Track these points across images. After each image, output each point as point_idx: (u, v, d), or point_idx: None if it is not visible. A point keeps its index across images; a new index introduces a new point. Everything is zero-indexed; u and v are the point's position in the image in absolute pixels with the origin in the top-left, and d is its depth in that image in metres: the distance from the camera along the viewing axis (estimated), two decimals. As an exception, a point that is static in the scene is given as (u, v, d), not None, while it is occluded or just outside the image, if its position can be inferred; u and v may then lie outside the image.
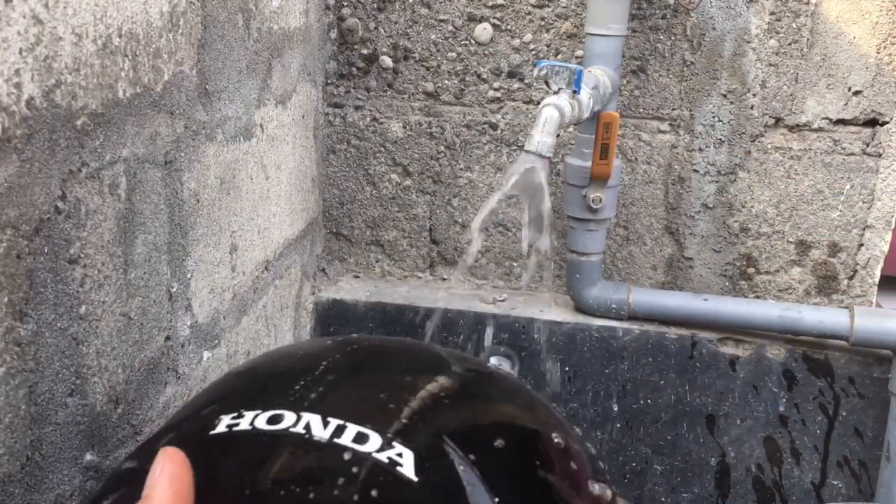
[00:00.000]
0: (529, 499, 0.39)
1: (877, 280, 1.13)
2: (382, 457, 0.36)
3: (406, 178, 1.20)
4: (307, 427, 0.37)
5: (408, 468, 0.36)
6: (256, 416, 0.39)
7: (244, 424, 0.39)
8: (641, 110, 1.13)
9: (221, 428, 0.39)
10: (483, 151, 1.17)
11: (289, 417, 0.38)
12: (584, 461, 0.45)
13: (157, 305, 0.67)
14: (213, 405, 0.43)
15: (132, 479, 0.39)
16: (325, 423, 0.38)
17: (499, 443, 0.41)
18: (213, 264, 0.78)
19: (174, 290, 0.70)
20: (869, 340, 1.05)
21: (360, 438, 0.37)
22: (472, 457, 0.38)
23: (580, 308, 1.15)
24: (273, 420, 0.38)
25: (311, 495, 0.34)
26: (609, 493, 0.43)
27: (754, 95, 1.10)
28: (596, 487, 0.42)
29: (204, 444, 0.39)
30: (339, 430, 0.37)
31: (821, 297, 1.15)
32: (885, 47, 1.05)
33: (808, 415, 1.12)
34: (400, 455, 0.36)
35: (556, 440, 0.44)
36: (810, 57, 1.07)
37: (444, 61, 1.14)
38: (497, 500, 0.37)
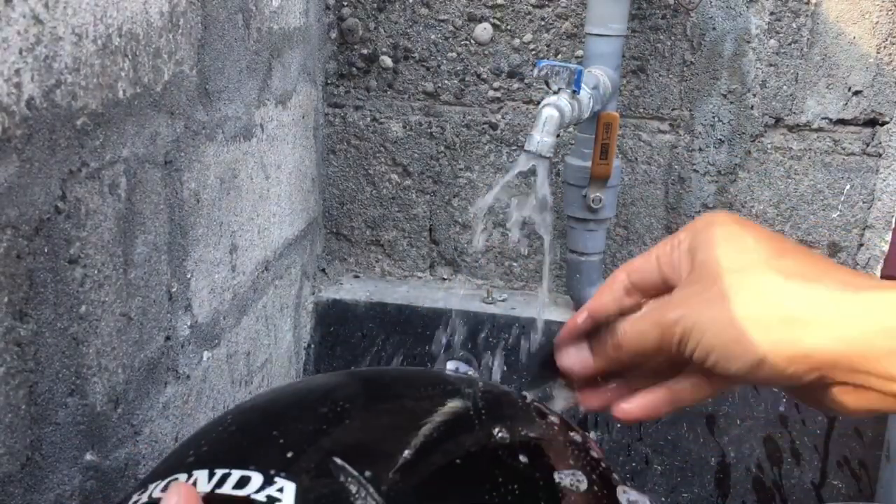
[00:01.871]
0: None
1: (877, 280, 1.13)
2: (261, 497, 0.37)
3: (406, 178, 1.20)
4: (195, 483, 0.39)
5: (287, 501, 0.36)
6: (156, 485, 0.41)
7: (144, 498, 0.40)
8: (641, 110, 1.13)
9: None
10: (483, 151, 1.17)
11: (181, 478, 0.40)
12: (549, 448, 0.45)
13: (157, 305, 0.67)
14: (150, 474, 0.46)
15: None
16: (211, 475, 0.39)
17: (406, 454, 0.40)
18: (213, 264, 0.78)
19: (174, 290, 0.70)
20: (869, 340, 1.05)
21: (242, 483, 0.38)
22: (367, 473, 0.38)
23: (579, 308, 1.15)
24: (166, 486, 0.40)
25: None
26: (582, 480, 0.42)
27: (754, 95, 1.10)
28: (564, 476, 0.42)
29: None
30: (223, 479, 0.38)
31: (821, 297, 1.15)
32: (885, 47, 1.05)
33: (808, 415, 1.12)
34: (281, 490, 0.37)
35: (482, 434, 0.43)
36: (810, 57, 1.07)
37: (444, 61, 1.14)
38: None
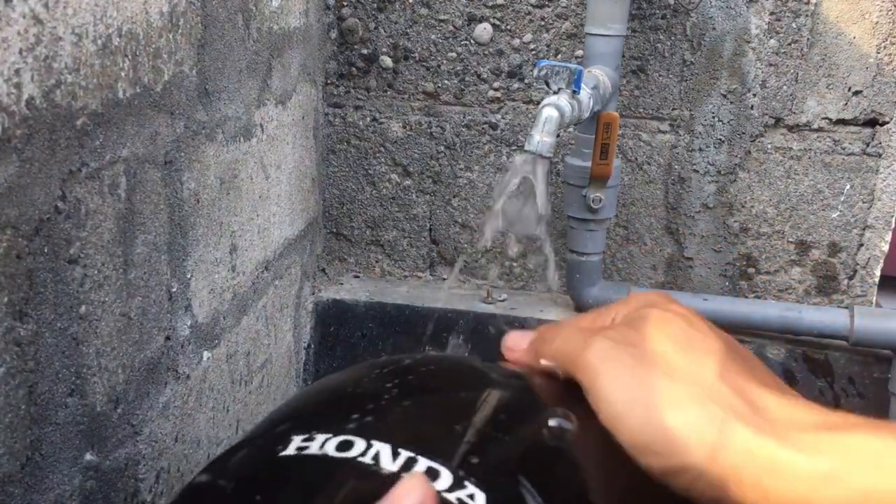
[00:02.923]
0: None
1: (877, 280, 1.13)
2: (452, 498, 0.33)
3: (406, 178, 1.20)
4: (376, 457, 0.35)
5: None
6: (327, 440, 0.37)
7: (314, 448, 0.37)
8: (641, 110, 1.13)
9: (291, 450, 0.37)
10: (483, 151, 1.17)
11: (358, 445, 0.36)
12: None
13: (156, 305, 0.67)
14: (288, 423, 0.42)
15: (205, 494, 0.38)
16: (395, 455, 0.35)
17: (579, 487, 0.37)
18: (212, 264, 0.78)
19: (174, 290, 0.70)
20: (869, 340, 1.05)
21: (431, 474, 0.35)
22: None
23: (580, 308, 1.15)
24: (342, 446, 0.36)
25: None
26: None
27: (754, 95, 1.10)
28: None
29: (272, 465, 0.37)
30: (409, 464, 0.35)
31: (821, 297, 1.15)
32: (885, 47, 1.05)
33: (808, 415, 1.12)
34: (472, 497, 0.34)
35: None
36: (810, 57, 1.07)
37: (444, 61, 1.14)
38: None
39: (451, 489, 0.34)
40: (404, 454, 0.35)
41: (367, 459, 0.35)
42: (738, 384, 0.34)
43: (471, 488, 0.34)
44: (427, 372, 0.47)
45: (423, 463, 0.35)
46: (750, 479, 0.32)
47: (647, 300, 0.40)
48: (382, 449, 0.36)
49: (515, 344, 0.45)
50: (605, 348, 0.36)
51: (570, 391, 0.40)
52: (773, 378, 0.38)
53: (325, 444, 0.37)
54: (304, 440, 0.37)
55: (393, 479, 0.33)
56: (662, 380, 0.34)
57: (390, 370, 0.46)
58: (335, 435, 0.37)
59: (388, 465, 0.35)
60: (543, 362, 0.42)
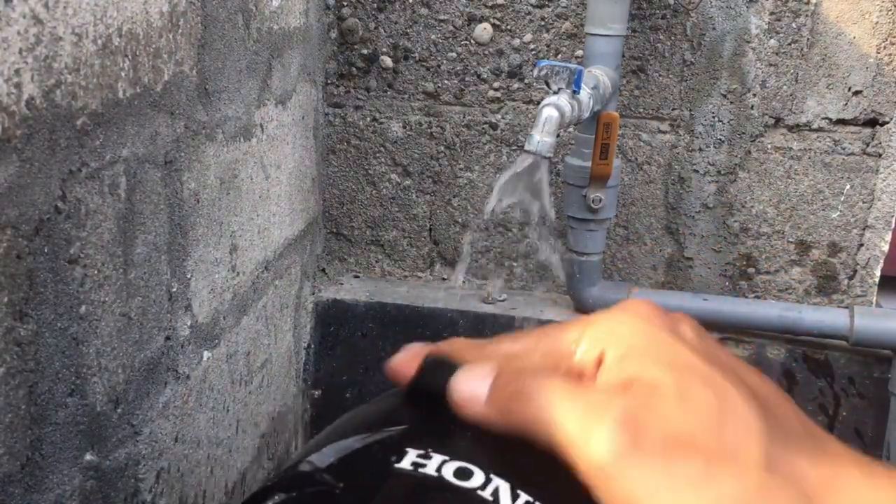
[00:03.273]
0: None
1: (877, 280, 1.13)
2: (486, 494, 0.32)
3: (406, 178, 1.20)
4: (495, 495, 0.33)
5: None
6: (444, 462, 0.35)
7: (430, 469, 0.34)
8: (641, 110, 1.13)
9: (406, 464, 0.35)
10: (483, 151, 1.17)
11: (477, 476, 0.34)
12: None
13: (156, 305, 0.67)
14: (402, 427, 0.39)
15: (311, 489, 0.37)
16: (515, 497, 0.33)
17: None
18: (212, 264, 0.78)
19: (174, 290, 0.70)
20: (869, 340, 1.05)
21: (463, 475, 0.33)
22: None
23: (580, 308, 1.15)
24: (461, 474, 0.34)
25: None
26: None
27: (754, 95, 1.10)
28: None
29: (388, 478, 0.35)
30: (441, 466, 0.33)
31: (821, 297, 1.15)
32: (885, 47, 1.05)
33: (809, 415, 1.12)
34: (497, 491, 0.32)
35: None
36: (810, 57, 1.07)
37: (444, 61, 1.14)
38: None
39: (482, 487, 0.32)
40: (523, 497, 0.33)
41: (487, 495, 0.33)
42: (789, 468, 0.29)
43: (496, 481, 0.32)
44: None
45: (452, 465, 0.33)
46: None
47: (639, 335, 0.32)
48: (502, 486, 0.33)
49: (468, 395, 0.34)
50: (620, 443, 0.28)
51: None
52: (802, 422, 0.32)
53: (442, 468, 0.34)
54: (420, 456, 0.35)
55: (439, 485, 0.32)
56: (703, 484, 0.28)
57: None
58: (451, 459, 0.35)
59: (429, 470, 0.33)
60: (514, 426, 0.33)
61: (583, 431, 0.29)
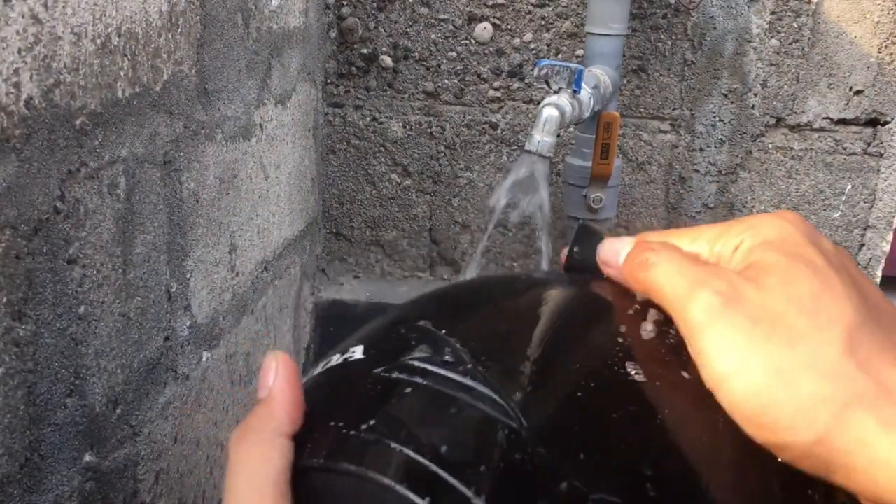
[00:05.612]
0: None
1: (878, 280, 1.13)
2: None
3: (406, 178, 1.20)
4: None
5: None
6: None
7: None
8: (642, 110, 1.13)
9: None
10: (483, 151, 1.17)
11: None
12: None
13: (156, 306, 0.66)
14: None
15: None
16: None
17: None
18: (212, 264, 0.78)
19: (173, 290, 0.70)
20: (870, 341, 1.05)
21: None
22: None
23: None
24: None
25: None
26: None
27: (755, 95, 1.10)
28: None
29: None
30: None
31: (822, 297, 1.15)
32: (886, 47, 1.05)
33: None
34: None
35: None
36: (811, 56, 1.07)
37: (444, 61, 1.14)
38: None
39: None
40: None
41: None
42: (868, 361, 0.30)
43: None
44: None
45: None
46: (862, 469, 0.30)
47: (778, 231, 0.34)
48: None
49: (609, 258, 0.39)
50: (714, 305, 0.31)
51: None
52: None
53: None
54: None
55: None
56: (779, 347, 0.30)
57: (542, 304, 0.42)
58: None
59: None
60: (638, 288, 0.37)
61: (687, 293, 0.33)
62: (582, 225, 0.42)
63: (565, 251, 0.43)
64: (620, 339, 0.35)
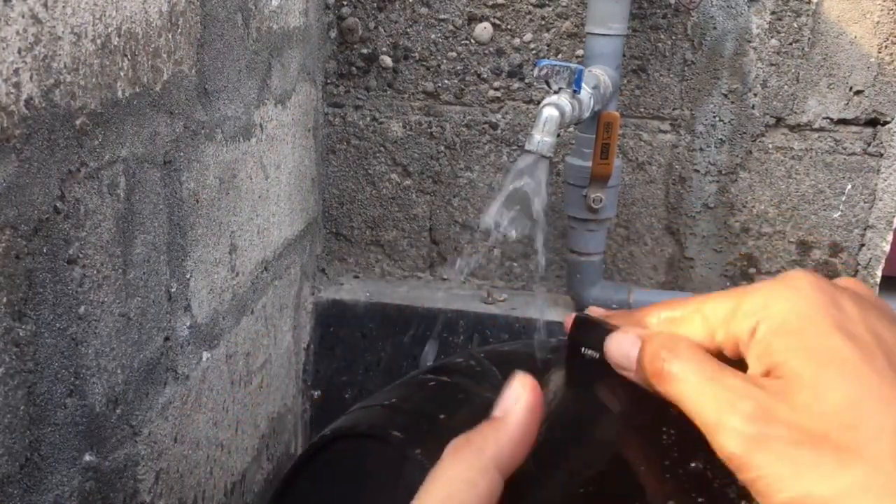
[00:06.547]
0: None
1: (878, 280, 1.13)
2: None
3: (406, 178, 1.20)
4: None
5: None
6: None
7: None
8: (642, 110, 1.13)
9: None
10: (483, 151, 1.17)
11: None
12: None
13: (156, 306, 0.66)
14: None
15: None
16: None
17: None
18: (212, 264, 0.78)
19: (173, 290, 0.70)
20: (870, 341, 1.05)
21: None
22: None
23: (581, 308, 1.15)
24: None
25: None
26: None
27: (755, 95, 1.10)
28: None
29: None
30: None
31: (822, 297, 1.15)
32: (886, 47, 1.05)
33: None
34: None
35: None
36: (811, 56, 1.07)
37: (444, 61, 1.14)
38: None
39: None
40: None
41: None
42: None
43: None
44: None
45: None
46: None
47: (795, 314, 0.31)
48: None
49: (621, 362, 0.36)
50: (747, 435, 0.29)
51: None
52: None
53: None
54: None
55: None
56: (833, 473, 0.28)
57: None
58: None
59: None
60: (661, 396, 0.34)
61: (716, 421, 0.30)
62: (578, 317, 0.40)
63: (569, 320, 0.40)
64: (669, 476, 0.33)
